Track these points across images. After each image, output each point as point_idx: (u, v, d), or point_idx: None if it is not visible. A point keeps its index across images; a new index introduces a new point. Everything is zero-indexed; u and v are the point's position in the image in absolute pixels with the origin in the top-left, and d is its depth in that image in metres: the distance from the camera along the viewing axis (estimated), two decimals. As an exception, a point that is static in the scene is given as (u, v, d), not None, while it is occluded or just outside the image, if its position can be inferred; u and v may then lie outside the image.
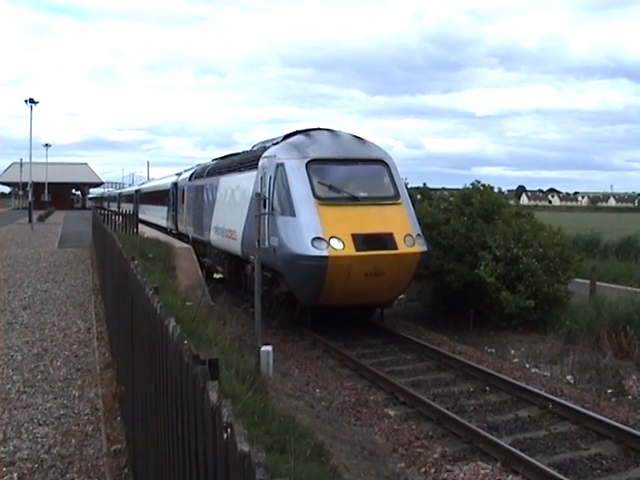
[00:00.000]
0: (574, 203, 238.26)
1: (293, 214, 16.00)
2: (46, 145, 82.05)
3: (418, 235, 16.37)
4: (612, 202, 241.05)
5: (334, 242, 15.35)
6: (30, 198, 55.43)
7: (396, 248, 15.70)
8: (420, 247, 16.24)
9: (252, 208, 17.81)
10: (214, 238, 23.86)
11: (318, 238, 15.40)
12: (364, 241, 15.50)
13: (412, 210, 17.12)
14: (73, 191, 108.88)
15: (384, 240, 15.76)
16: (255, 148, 21.90)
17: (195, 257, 22.12)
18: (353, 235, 15.48)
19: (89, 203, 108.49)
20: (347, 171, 17.13)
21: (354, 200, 16.35)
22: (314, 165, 16.65)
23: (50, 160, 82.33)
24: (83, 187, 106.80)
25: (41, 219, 54.94)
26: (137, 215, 33.44)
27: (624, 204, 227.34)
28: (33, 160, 56.27)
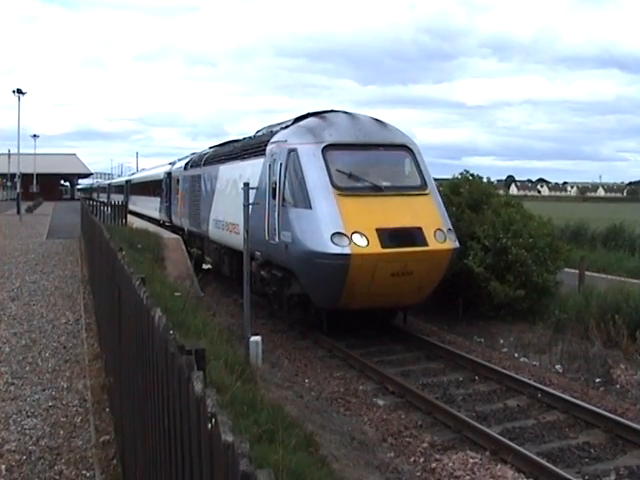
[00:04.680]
0: (563, 193, 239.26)
1: (308, 206, 14.35)
2: (34, 136, 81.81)
3: (449, 230, 14.91)
4: (601, 192, 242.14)
5: (357, 238, 13.74)
6: (18, 189, 55.29)
7: (426, 244, 14.17)
8: (452, 243, 14.79)
9: (258, 199, 16.49)
10: (213, 232, 22.44)
11: (338, 233, 13.76)
12: (390, 237, 13.92)
13: (441, 201, 15.64)
14: (62, 182, 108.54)
15: (413, 235, 14.22)
16: (260, 133, 20.34)
17: (184, 248, 22.04)
18: (378, 230, 13.88)
19: (78, 194, 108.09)
20: (368, 157, 15.40)
21: (377, 190, 14.71)
22: (331, 151, 14.94)
23: (39, 151, 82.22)
24: (72, 178, 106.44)
25: (29, 210, 54.74)
26: (126, 206, 33.25)
27: (613, 194, 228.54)
28: (21, 151, 56.19)
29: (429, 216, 14.76)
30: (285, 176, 15.34)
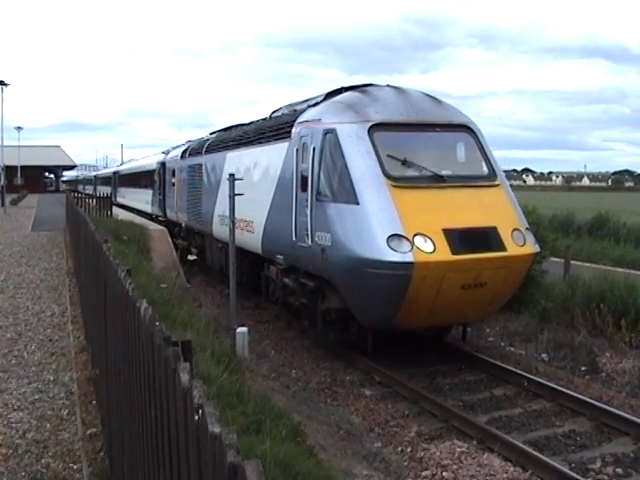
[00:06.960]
0: (548, 182, 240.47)
1: (354, 201, 11.49)
2: (18, 128, 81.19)
3: (527, 229, 12.18)
4: (586, 181, 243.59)
5: (420, 241, 10.90)
6: (2, 182, 54.87)
7: (504, 249, 11.45)
8: (532, 247, 12.05)
9: (280, 192, 14.35)
10: (217, 229, 19.58)
11: (397, 235, 10.92)
12: (461, 240, 11.16)
13: (513, 195, 12.81)
14: (46, 174, 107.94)
15: (487, 237, 11.50)
16: (278, 114, 17.17)
17: (170, 239, 21.95)
18: (445, 231, 11.12)
19: (63, 186, 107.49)
20: (423, 140, 12.60)
21: (439, 181, 11.95)
22: (379, 131, 12.10)
23: (23, 143, 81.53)
24: (56, 170, 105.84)
25: (14, 203, 54.49)
26: (111, 198, 32.95)
27: (598, 183, 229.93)
28: (5, 143, 55.71)
29: (503, 213, 12.09)
30: (320, 163, 12.55)
